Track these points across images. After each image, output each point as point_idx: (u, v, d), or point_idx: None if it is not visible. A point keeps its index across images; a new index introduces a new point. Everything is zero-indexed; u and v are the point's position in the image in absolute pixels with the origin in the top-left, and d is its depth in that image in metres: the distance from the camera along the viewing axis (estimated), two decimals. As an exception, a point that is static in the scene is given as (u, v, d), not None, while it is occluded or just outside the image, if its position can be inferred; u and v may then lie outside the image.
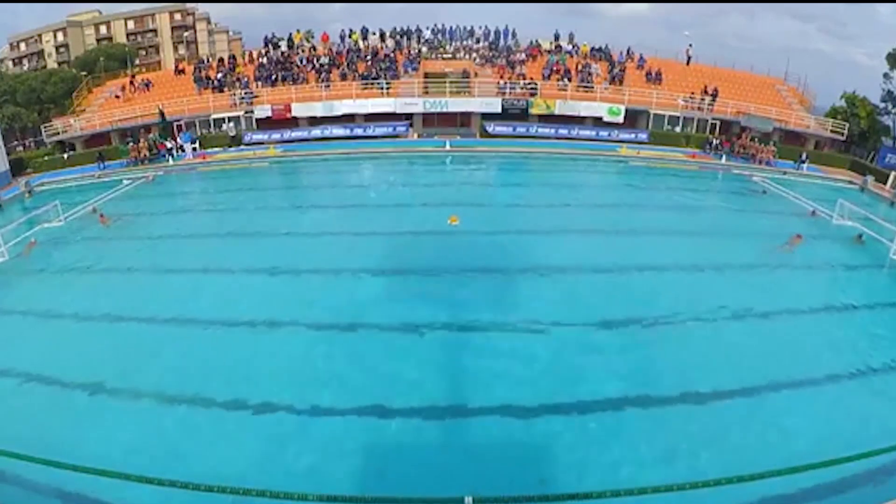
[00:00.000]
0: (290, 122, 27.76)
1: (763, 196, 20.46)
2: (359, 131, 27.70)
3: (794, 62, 52.44)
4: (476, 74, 29.75)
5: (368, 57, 30.56)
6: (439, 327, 10.39)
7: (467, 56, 32.47)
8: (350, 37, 32.55)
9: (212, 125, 27.65)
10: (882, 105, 28.69)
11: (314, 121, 27.80)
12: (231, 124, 27.40)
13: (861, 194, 21.67)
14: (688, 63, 31.96)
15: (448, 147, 25.45)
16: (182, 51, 53.95)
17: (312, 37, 34.25)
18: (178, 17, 55.69)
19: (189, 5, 56.07)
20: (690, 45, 32.15)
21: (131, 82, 30.31)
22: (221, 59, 32.02)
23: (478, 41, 33.79)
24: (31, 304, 11.85)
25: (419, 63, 30.70)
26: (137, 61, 48.12)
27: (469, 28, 34.43)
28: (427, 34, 33.78)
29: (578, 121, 28.05)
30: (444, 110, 28.30)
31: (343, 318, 10.69)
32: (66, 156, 25.86)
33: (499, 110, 28.00)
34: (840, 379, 9.14)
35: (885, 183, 22.50)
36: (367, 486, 6.82)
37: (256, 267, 13.21)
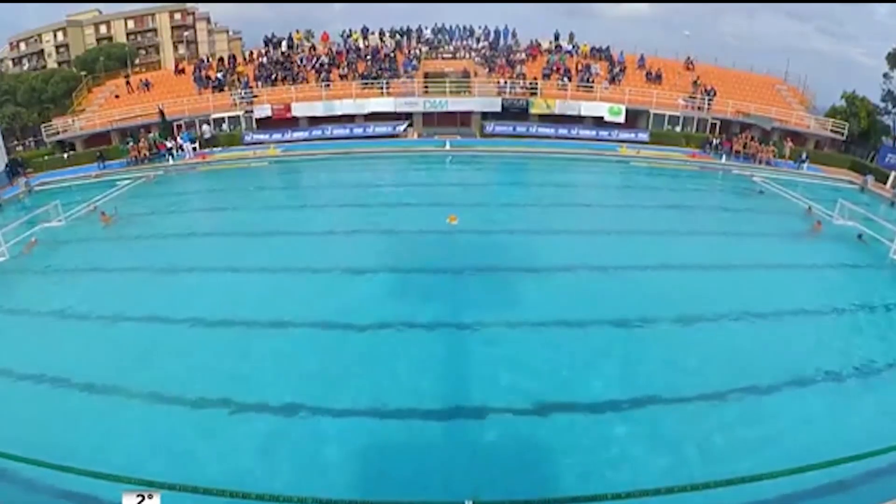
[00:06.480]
0: (290, 122, 27.75)
1: (763, 196, 20.45)
2: (359, 131, 27.69)
3: (793, 62, 52.20)
4: (476, 74, 29.73)
5: (368, 57, 30.55)
6: (439, 327, 10.37)
7: (467, 56, 32.43)
8: (350, 36, 32.53)
9: (212, 125, 27.63)
10: (882, 105, 28.66)
11: (314, 121, 27.78)
12: (206, 127, 26.78)
13: (861, 194, 21.65)
14: (691, 68, 31.64)
15: (448, 147, 25.44)
16: (182, 50, 53.86)
17: (312, 36, 34.26)
18: (178, 16, 55.52)
19: (189, 5, 55.89)
20: (690, 57, 31.95)
21: (127, 83, 30.30)
22: (221, 59, 32.00)
23: (478, 41, 33.75)
24: (32, 304, 11.85)
25: (419, 63, 30.67)
26: (137, 61, 48.04)
27: (469, 28, 34.41)
28: (427, 34, 33.76)
29: (578, 120, 28.02)
30: (444, 110, 28.28)
31: (341, 317, 10.66)
32: (66, 155, 25.86)
33: (499, 110, 27.97)
34: (840, 379, 9.12)
35: (885, 183, 22.48)
36: (367, 489, 6.80)
37: (257, 266, 13.20)
